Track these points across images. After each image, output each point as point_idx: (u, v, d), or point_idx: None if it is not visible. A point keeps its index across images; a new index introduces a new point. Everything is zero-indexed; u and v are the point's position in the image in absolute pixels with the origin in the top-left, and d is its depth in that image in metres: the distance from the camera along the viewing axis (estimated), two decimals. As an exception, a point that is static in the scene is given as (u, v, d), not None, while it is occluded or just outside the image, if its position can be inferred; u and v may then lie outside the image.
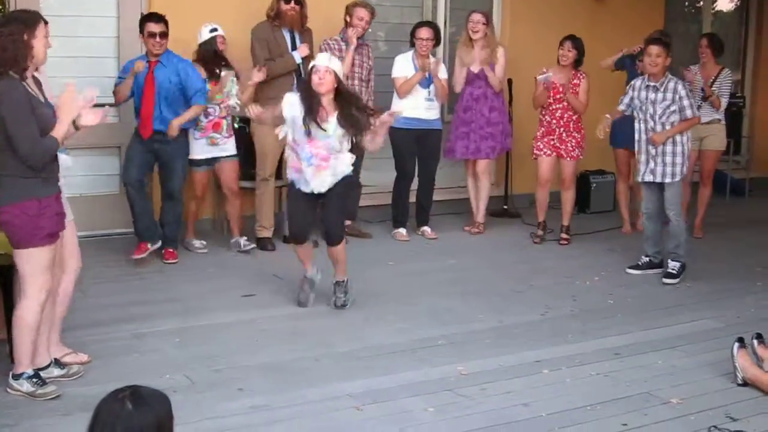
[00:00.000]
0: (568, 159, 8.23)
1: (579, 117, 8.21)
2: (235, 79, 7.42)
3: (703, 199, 8.81)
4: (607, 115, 7.43)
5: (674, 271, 7.15)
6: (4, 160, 4.44)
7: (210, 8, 7.81)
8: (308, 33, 7.79)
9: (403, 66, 8.17)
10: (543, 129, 8.25)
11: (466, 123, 8.52)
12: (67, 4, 7.49)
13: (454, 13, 9.47)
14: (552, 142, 8.22)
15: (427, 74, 8.10)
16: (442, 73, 8.22)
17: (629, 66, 8.75)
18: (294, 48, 7.61)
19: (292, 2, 7.54)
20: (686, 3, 11.83)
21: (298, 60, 7.57)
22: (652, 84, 7.13)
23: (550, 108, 8.19)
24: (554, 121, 8.19)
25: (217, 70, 7.33)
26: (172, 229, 7.32)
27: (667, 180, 7.13)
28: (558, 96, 8.14)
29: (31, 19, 4.50)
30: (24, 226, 4.44)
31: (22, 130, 4.35)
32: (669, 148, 7.10)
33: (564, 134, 8.19)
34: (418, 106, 8.14)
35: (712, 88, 8.47)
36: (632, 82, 7.41)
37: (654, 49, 7.08)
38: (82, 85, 4.71)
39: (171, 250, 7.30)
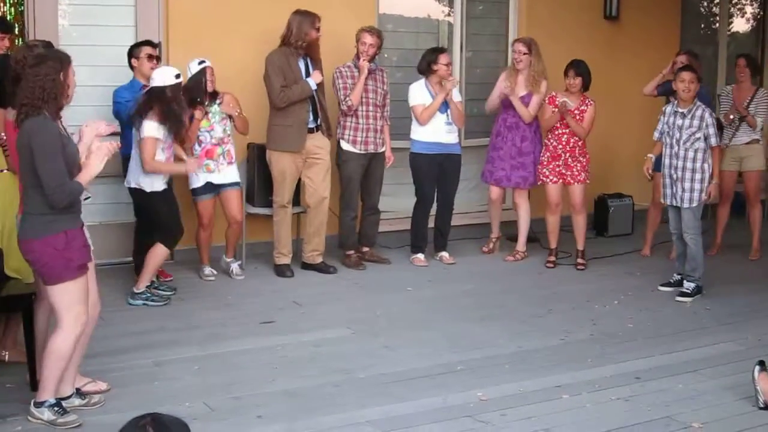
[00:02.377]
0: (576, 184, 8.21)
1: (584, 142, 8.19)
2: (217, 107, 7.32)
3: (755, 219, 8.73)
4: (650, 155, 7.52)
5: (688, 291, 7.22)
6: (31, 197, 4.47)
7: (225, 38, 7.88)
8: (319, 60, 7.81)
9: (419, 93, 8.16)
10: (548, 154, 8.23)
11: (496, 148, 8.53)
12: (86, 34, 7.56)
13: (470, 39, 9.48)
14: (558, 169, 8.19)
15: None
16: (456, 97, 8.22)
17: (671, 91, 8.68)
18: (308, 75, 7.65)
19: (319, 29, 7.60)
20: (702, 24, 11.82)
21: (314, 86, 7.60)
22: (680, 110, 7.18)
23: (556, 132, 8.18)
24: (560, 146, 8.17)
25: (199, 99, 7.14)
26: None
27: (685, 205, 7.18)
28: (565, 120, 8.13)
29: (65, 59, 4.56)
30: (54, 261, 4.45)
31: (51, 168, 4.37)
32: (688, 174, 7.16)
33: (569, 159, 8.17)
34: (438, 131, 8.15)
35: (749, 109, 8.45)
36: (663, 108, 7.46)
37: (687, 75, 7.16)
38: (101, 113, 4.77)
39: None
